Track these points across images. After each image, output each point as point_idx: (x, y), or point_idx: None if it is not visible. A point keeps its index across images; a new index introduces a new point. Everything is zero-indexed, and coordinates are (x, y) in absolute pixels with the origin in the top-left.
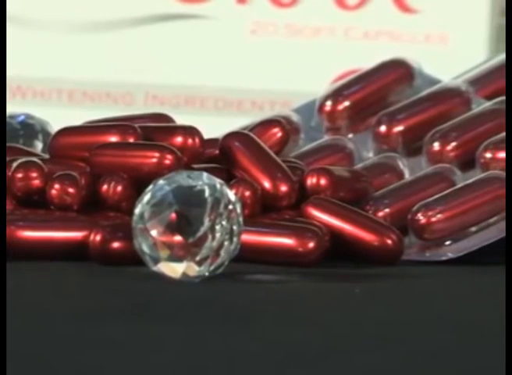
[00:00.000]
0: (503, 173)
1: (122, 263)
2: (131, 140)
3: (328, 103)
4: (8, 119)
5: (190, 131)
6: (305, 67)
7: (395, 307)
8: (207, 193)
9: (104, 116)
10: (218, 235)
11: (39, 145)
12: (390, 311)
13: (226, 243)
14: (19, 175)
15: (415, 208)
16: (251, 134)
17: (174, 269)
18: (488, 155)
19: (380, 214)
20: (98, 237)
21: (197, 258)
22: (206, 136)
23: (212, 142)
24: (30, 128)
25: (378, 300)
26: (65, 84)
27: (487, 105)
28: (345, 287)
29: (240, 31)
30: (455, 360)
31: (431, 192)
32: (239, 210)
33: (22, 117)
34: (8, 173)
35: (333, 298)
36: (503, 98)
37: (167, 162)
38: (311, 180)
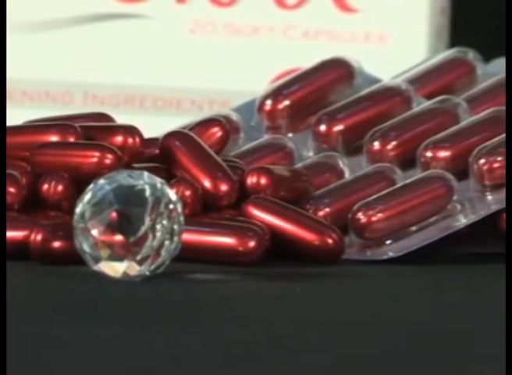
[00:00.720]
0: (444, 172)
1: (63, 263)
2: (71, 139)
3: (268, 102)
4: None
5: (131, 131)
6: (244, 66)
7: (336, 306)
8: (147, 192)
9: (44, 116)
10: (158, 234)
11: None
12: (331, 310)
13: (167, 242)
14: None
15: (355, 207)
16: (191, 134)
17: (115, 269)
18: (429, 154)
19: (320, 213)
20: (39, 237)
21: (138, 257)
22: (145, 135)
23: (152, 141)
24: None
25: (319, 299)
26: None
27: (427, 104)
28: (286, 286)
29: (179, 30)
30: (396, 360)
31: (371, 191)
32: (179, 209)
33: None
34: None
35: (274, 298)
36: (443, 97)
37: (107, 161)
38: (251, 180)
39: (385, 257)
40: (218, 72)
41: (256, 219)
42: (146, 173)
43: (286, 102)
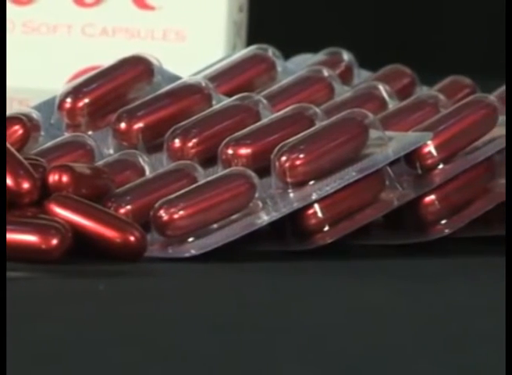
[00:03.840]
0: (245, 170)
1: None
2: None
3: (68, 100)
4: None
5: None
6: (43, 64)
7: (138, 304)
8: None
9: None
10: None
11: None
12: (133, 308)
13: None
14: None
15: (157, 205)
16: None
17: None
18: (230, 151)
19: (122, 211)
20: None
21: None
22: None
23: None
24: None
25: (122, 297)
26: None
27: (228, 101)
28: (89, 283)
29: None
30: (199, 358)
31: (173, 189)
32: None
33: None
34: None
35: (78, 295)
36: (244, 94)
37: None
38: (53, 177)
39: (187, 255)
40: (16, 70)
41: (58, 216)
42: None
43: (86, 100)
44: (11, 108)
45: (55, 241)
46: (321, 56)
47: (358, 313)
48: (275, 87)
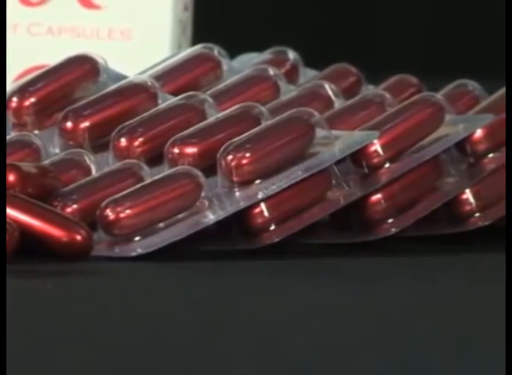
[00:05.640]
0: (191, 169)
1: None
2: None
3: (14, 99)
4: None
5: None
6: None
7: (85, 303)
8: None
9: None
10: None
11: None
12: (80, 307)
13: None
14: None
15: (104, 204)
16: None
17: None
18: (176, 150)
19: (68, 210)
20: None
21: None
22: None
23: None
24: None
25: (69, 296)
26: None
27: (173, 100)
28: (36, 283)
29: None
30: (146, 357)
31: (119, 188)
32: None
33: None
34: None
35: (25, 294)
36: (190, 93)
37: None
38: None
39: (133, 254)
40: None
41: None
42: None
43: (32, 99)
44: None
45: None
46: (266, 55)
47: (305, 312)
48: (220, 86)
